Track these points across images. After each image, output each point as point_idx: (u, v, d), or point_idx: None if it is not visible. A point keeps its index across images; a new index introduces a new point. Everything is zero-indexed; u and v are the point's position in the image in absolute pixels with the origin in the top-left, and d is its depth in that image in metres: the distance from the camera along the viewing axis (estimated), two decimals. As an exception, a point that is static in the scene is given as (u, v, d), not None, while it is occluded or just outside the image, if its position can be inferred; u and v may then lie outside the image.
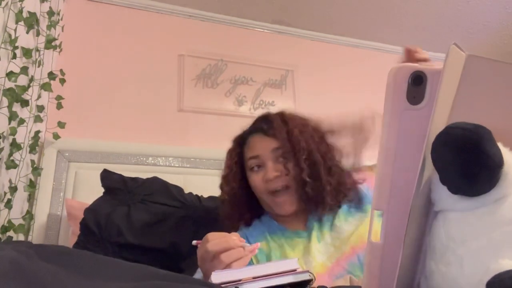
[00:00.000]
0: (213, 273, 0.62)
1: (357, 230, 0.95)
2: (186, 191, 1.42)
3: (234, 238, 0.77)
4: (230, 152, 1.09)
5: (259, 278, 0.60)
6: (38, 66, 1.46)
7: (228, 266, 0.73)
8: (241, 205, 1.05)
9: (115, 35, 1.92)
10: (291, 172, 0.96)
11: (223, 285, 0.59)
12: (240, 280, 0.60)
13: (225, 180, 1.07)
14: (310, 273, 0.62)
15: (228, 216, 1.05)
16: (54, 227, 1.52)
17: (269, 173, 0.97)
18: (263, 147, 1.01)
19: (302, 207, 0.98)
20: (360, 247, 0.91)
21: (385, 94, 0.38)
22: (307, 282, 0.62)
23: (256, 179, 1.00)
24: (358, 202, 1.00)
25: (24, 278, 0.39)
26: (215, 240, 0.76)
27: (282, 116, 1.05)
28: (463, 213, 0.36)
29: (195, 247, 0.83)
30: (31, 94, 1.40)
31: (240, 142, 1.08)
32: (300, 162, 0.96)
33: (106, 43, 1.89)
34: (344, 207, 1.00)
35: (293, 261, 0.65)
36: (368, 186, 1.03)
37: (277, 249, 0.96)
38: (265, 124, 1.04)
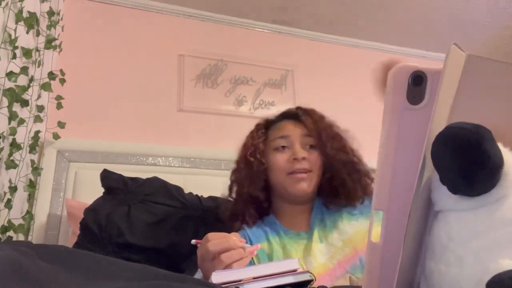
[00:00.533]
0: (213, 273, 0.62)
1: (360, 232, 0.95)
2: (186, 191, 1.42)
3: (234, 238, 0.77)
4: (255, 132, 1.11)
5: (259, 279, 0.60)
6: (38, 66, 1.46)
7: (228, 266, 0.73)
8: (263, 187, 1.05)
9: (115, 35, 1.92)
10: (317, 161, 1.01)
11: (223, 285, 0.59)
12: (240, 281, 0.60)
13: (253, 156, 1.06)
14: (311, 273, 0.62)
15: (249, 197, 1.04)
16: (54, 227, 1.52)
17: (298, 152, 1.00)
18: (294, 130, 1.05)
19: (315, 195, 1.03)
20: (363, 250, 0.91)
21: (385, 94, 0.38)
22: (308, 282, 0.62)
23: (280, 159, 1.02)
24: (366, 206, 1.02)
25: (24, 278, 0.39)
26: (215, 240, 0.76)
27: (313, 110, 1.11)
28: (463, 213, 0.36)
29: (195, 247, 0.83)
30: (31, 94, 1.40)
31: (266, 125, 1.12)
32: (325, 151, 1.01)
33: (106, 43, 1.89)
34: (349, 210, 1.02)
35: (293, 261, 0.65)
36: None
37: (279, 249, 0.96)
38: (300, 111, 1.09)
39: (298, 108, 1.13)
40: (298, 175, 0.99)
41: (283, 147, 1.03)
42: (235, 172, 1.10)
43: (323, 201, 1.04)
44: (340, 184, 1.01)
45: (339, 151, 1.03)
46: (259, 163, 1.05)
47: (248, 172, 1.06)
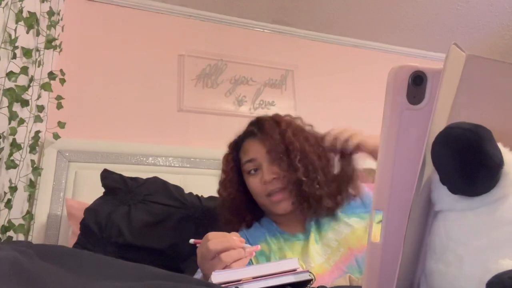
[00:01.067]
0: (213, 273, 0.62)
1: (355, 232, 0.95)
2: (186, 191, 1.42)
3: (234, 238, 0.77)
4: (226, 158, 1.10)
5: (259, 278, 0.60)
6: (38, 66, 1.46)
7: (228, 266, 0.73)
8: (240, 210, 1.05)
9: (115, 35, 1.92)
10: (287, 173, 0.97)
11: (223, 285, 0.59)
12: (240, 280, 0.60)
13: (223, 186, 1.08)
14: (310, 273, 0.62)
15: (227, 221, 1.05)
16: (54, 227, 1.52)
17: (266, 175, 0.98)
18: (257, 150, 1.01)
19: (299, 207, 0.98)
20: (358, 249, 0.91)
21: (385, 94, 0.38)
22: (307, 282, 0.62)
23: (254, 182, 1.01)
24: (359, 204, 1.01)
25: (24, 278, 0.39)
26: (216, 239, 0.76)
27: (274, 118, 1.06)
28: (463, 213, 0.36)
29: (195, 247, 0.83)
30: (31, 94, 1.40)
31: (235, 147, 1.09)
32: (294, 162, 0.96)
33: (106, 43, 1.89)
34: (343, 209, 1.00)
35: (293, 261, 0.65)
36: (367, 189, 1.03)
37: (277, 251, 0.96)
38: (256, 127, 1.05)
39: (256, 121, 1.08)
40: (274, 198, 0.98)
41: (255, 169, 1.01)
42: (218, 192, 1.10)
43: (309, 208, 0.99)
44: (318, 187, 0.96)
45: (306, 153, 0.97)
46: (227, 194, 1.05)
47: (223, 198, 1.07)
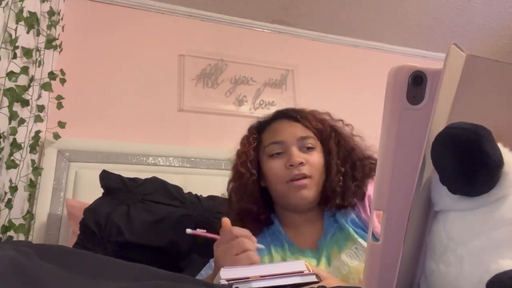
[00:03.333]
0: (222, 269, 0.63)
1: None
2: (186, 191, 1.42)
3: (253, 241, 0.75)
4: (247, 138, 1.02)
5: (266, 277, 0.61)
6: (39, 66, 1.46)
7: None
8: (256, 199, 0.97)
9: (115, 35, 1.92)
10: (318, 163, 0.92)
11: (231, 281, 0.59)
12: (248, 278, 0.60)
13: (243, 166, 0.97)
14: (317, 275, 0.62)
15: (241, 211, 0.96)
16: (54, 227, 1.52)
17: (294, 158, 0.90)
18: (290, 132, 0.95)
19: (319, 200, 0.94)
20: None
21: (385, 94, 0.38)
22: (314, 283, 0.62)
23: (276, 166, 0.93)
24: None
25: (24, 277, 0.39)
26: (245, 236, 0.74)
27: (312, 111, 1.02)
28: (463, 213, 0.36)
29: (195, 246, 0.83)
30: (31, 94, 1.40)
31: (259, 129, 1.02)
32: (332, 153, 0.92)
33: (106, 43, 1.89)
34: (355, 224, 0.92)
35: (300, 263, 0.65)
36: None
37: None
38: (293, 111, 1.00)
39: (292, 108, 1.04)
40: (297, 182, 0.90)
41: (279, 153, 0.94)
42: (229, 182, 1.03)
43: (331, 212, 0.94)
44: (346, 184, 0.92)
45: (345, 147, 0.95)
46: (250, 174, 0.96)
47: (239, 184, 0.98)
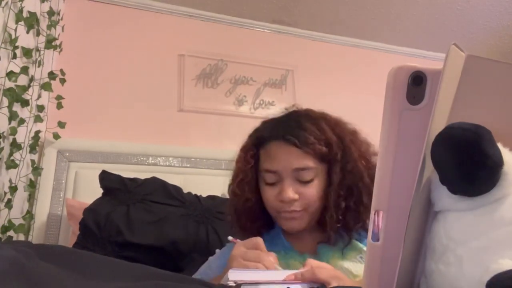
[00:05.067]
0: (230, 270, 0.62)
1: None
2: (186, 191, 1.42)
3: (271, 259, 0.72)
4: (245, 153, 0.92)
5: (274, 282, 0.61)
6: (38, 66, 1.46)
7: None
8: (254, 214, 0.92)
9: (115, 35, 1.92)
10: (315, 196, 0.84)
11: (239, 282, 0.58)
12: (256, 281, 0.60)
13: (239, 187, 0.91)
14: (325, 286, 0.62)
15: (243, 227, 0.93)
16: (54, 227, 1.52)
17: (285, 194, 0.83)
18: (286, 160, 0.84)
19: (312, 230, 0.89)
20: None
21: (385, 94, 0.38)
22: None
23: (269, 194, 0.87)
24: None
25: (24, 277, 0.39)
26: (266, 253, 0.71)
27: (319, 124, 0.87)
28: (463, 213, 0.36)
29: (195, 246, 0.83)
30: (31, 94, 1.40)
31: (257, 143, 0.92)
32: (333, 185, 0.83)
33: (106, 43, 1.89)
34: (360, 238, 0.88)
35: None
36: None
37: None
38: (293, 133, 0.85)
39: (295, 119, 0.89)
40: (288, 214, 0.85)
41: (273, 183, 0.86)
42: (228, 187, 0.97)
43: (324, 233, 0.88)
44: (339, 220, 0.83)
45: (355, 178, 0.83)
46: (245, 199, 0.90)
47: (235, 204, 0.92)
